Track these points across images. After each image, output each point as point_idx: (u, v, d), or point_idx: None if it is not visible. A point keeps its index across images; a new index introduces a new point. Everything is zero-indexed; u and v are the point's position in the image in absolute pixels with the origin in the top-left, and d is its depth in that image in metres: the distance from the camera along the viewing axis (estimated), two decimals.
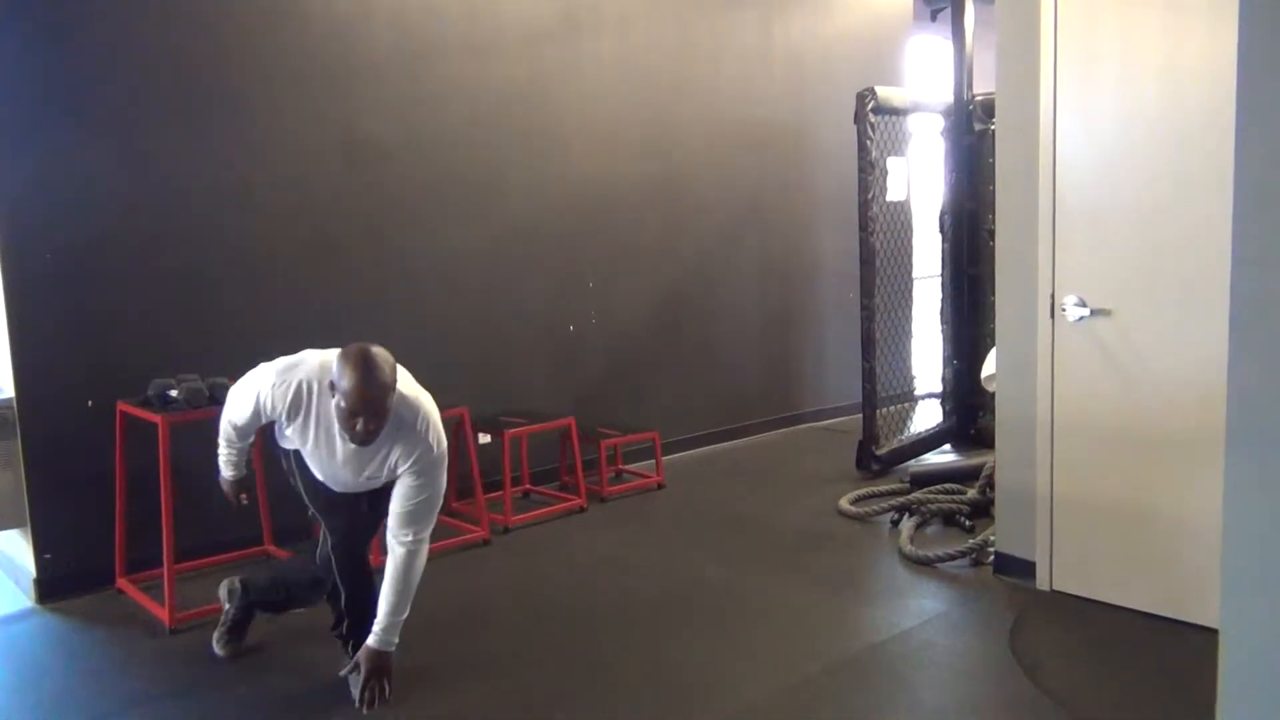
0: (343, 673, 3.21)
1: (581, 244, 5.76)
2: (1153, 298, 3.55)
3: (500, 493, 4.97)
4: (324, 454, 3.09)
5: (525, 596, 4.10)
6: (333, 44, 4.74)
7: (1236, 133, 2.00)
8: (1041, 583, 3.92)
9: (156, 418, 3.80)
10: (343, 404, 2.82)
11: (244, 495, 3.48)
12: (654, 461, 5.67)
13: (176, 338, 4.34)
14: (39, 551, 4.08)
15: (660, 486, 5.56)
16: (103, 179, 4.16)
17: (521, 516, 4.99)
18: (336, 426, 2.94)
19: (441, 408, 4.75)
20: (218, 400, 3.91)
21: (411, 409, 3.01)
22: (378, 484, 3.18)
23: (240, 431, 3.26)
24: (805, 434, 6.83)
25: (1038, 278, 3.81)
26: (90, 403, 4.13)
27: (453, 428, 4.97)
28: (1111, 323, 3.65)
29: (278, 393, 3.00)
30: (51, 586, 4.10)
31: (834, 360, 7.08)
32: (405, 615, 3.12)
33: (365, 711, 3.08)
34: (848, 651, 3.50)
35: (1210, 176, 3.31)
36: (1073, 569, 3.85)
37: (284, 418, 3.04)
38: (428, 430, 3.03)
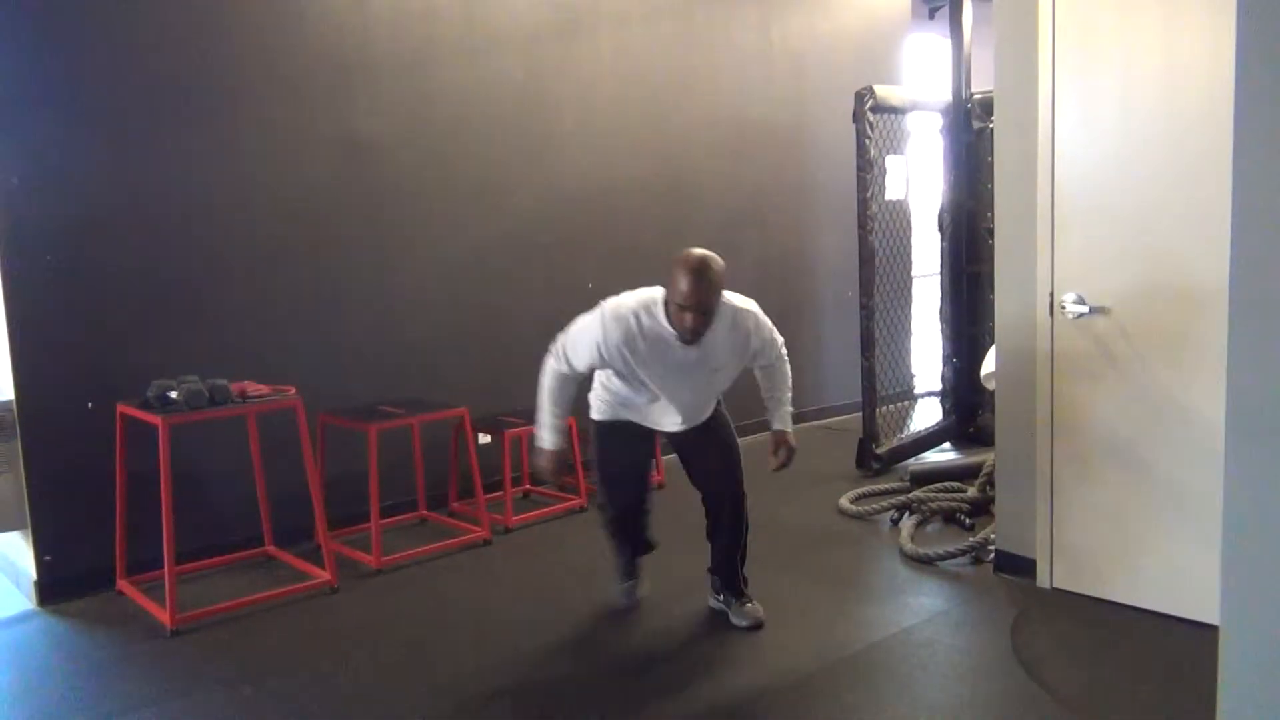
0: (773, 467, 3.76)
1: (581, 244, 5.76)
2: (1152, 295, 3.55)
3: (501, 493, 4.98)
4: (660, 370, 3.39)
5: (525, 596, 4.10)
6: (332, 45, 4.74)
7: (1235, 129, 2.00)
8: (1042, 580, 3.92)
9: (157, 419, 3.80)
10: (678, 302, 3.22)
11: (563, 471, 3.67)
12: (654, 461, 5.66)
13: (176, 339, 4.34)
14: (39, 554, 4.08)
15: (660, 486, 5.55)
16: (102, 180, 4.16)
17: (522, 516, 4.99)
18: (669, 334, 3.31)
19: (441, 408, 4.77)
20: (218, 402, 3.92)
21: (736, 308, 3.45)
22: (722, 371, 3.53)
23: (567, 383, 3.52)
24: (805, 433, 6.81)
25: (1037, 275, 3.81)
26: (90, 404, 4.13)
27: (452, 428, 4.99)
28: (1111, 320, 3.65)
29: (612, 325, 3.32)
30: (52, 589, 4.10)
31: (833, 359, 7.09)
32: (790, 401, 3.78)
33: (773, 470, 3.74)
34: (848, 650, 3.50)
35: (1209, 173, 3.31)
36: (1073, 567, 3.85)
37: (617, 349, 3.33)
38: (760, 316, 3.53)
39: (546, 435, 3.55)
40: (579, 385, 3.58)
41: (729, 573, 3.78)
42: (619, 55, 5.85)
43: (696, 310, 3.23)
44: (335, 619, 3.86)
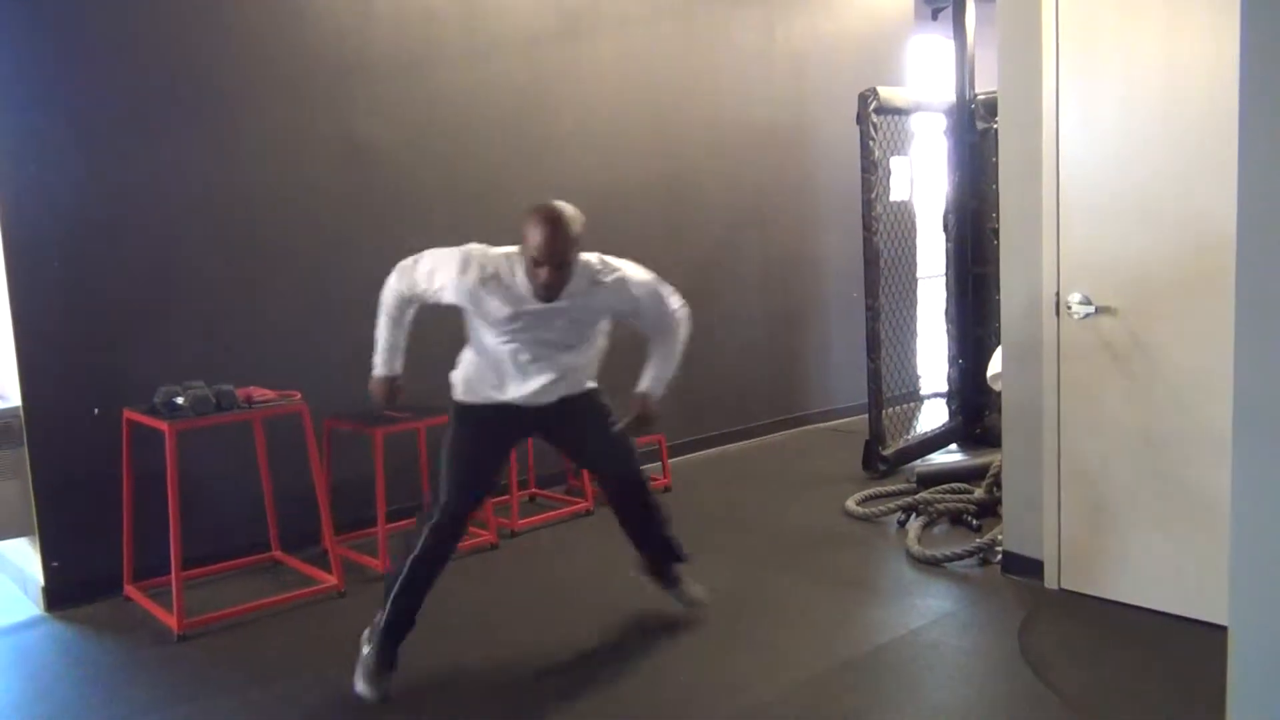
0: (617, 426, 3.47)
1: (584, 246, 5.74)
2: (1158, 294, 3.54)
3: (507, 497, 4.97)
4: (515, 322, 3.20)
5: (532, 599, 4.10)
6: (334, 47, 4.75)
7: (1240, 128, 1.99)
8: (1050, 581, 3.91)
9: (163, 425, 3.80)
10: (532, 255, 3.03)
11: (396, 397, 3.49)
12: (660, 464, 5.67)
13: (182, 345, 4.35)
14: (46, 560, 4.09)
15: (666, 489, 5.56)
16: (107, 186, 4.17)
17: (528, 520, 4.99)
18: (525, 290, 3.13)
19: (447, 412, 4.76)
20: (224, 407, 3.92)
21: (599, 264, 3.28)
22: (585, 326, 3.34)
23: (407, 303, 3.34)
24: (811, 435, 6.83)
25: (1042, 275, 3.81)
26: (96, 410, 4.14)
27: None
28: (1117, 320, 3.64)
29: (471, 266, 3.15)
30: (59, 594, 4.11)
31: (839, 361, 7.08)
32: (673, 373, 3.50)
33: (622, 433, 3.47)
34: (855, 651, 3.49)
35: (1214, 172, 3.30)
36: (1081, 567, 3.84)
37: (476, 288, 3.14)
38: (622, 268, 3.33)
39: (381, 359, 3.42)
40: (417, 319, 3.45)
41: (655, 566, 3.71)
42: (620, 57, 5.85)
43: (550, 264, 3.04)
44: (342, 623, 3.86)
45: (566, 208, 3.11)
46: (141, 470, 4.07)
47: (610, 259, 3.35)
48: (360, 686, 3.21)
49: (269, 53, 4.58)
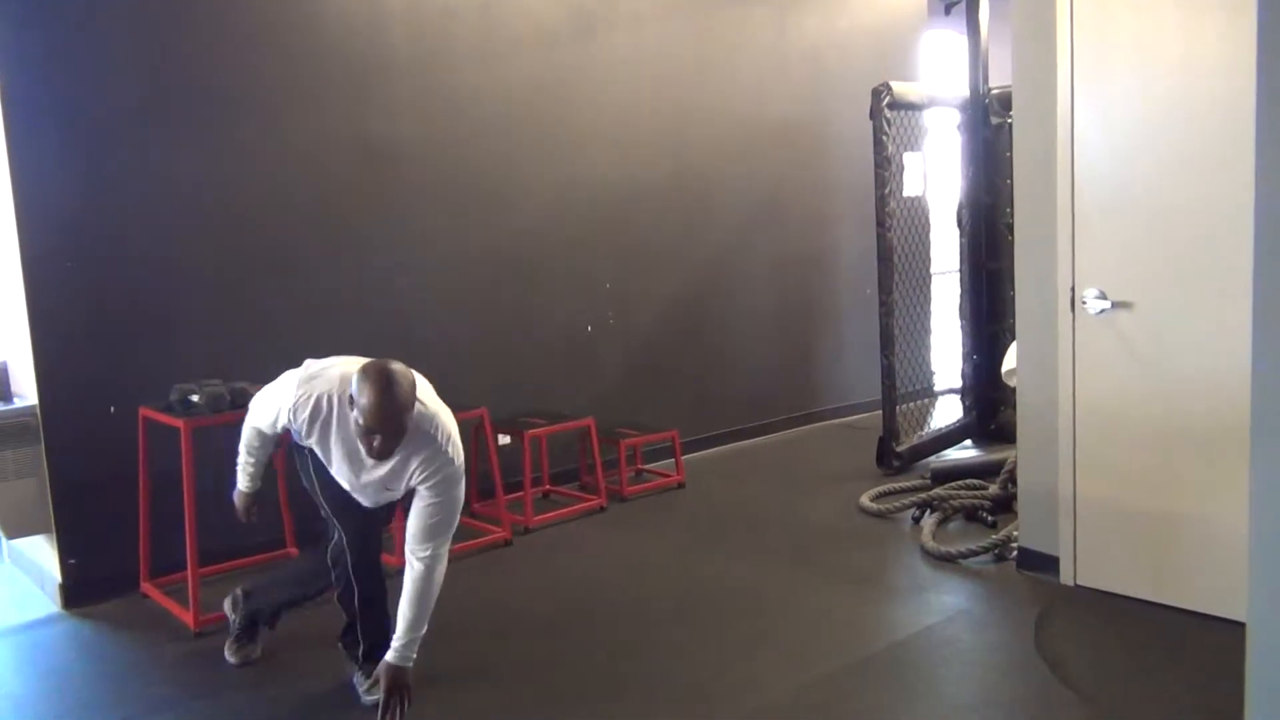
0: (363, 690, 3.21)
1: (598, 244, 5.76)
2: (1175, 289, 3.52)
3: (521, 493, 4.98)
4: (345, 466, 3.09)
5: (546, 596, 4.10)
6: (349, 47, 4.76)
7: (1257, 121, 1.98)
8: (1065, 578, 3.90)
9: (179, 422, 3.82)
10: (360, 420, 2.80)
11: (254, 510, 3.49)
12: (674, 461, 5.67)
13: (198, 343, 4.37)
14: (63, 557, 4.11)
15: (680, 485, 5.56)
16: (122, 185, 4.19)
17: (542, 517, 5.00)
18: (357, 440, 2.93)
19: (461, 409, 4.76)
20: (239, 405, 3.93)
21: (430, 422, 2.98)
22: (396, 496, 3.18)
23: (263, 440, 3.28)
24: (824, 431, 6.81)
25: (1057, 271, 3.79)
26: (112, 408, 4.16)
27: (472, 429, 4.99)
28: (1133, 315, 3.62)
29: (300, 404, 3.00)
30: (76, 591, 4.13)
31: (853, 357, 7.06)
32: (424, 630, 3.07)
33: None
34: (870, 648, 3.49)
35: (1231, 166, 3.28)
36: (1097, 563, 3.83)
37: (304, 429, 3.04)
38: (447, 444, 3.00)
39: (241, 478, 3.39)
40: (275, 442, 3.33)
41: (364, 649, 3.35)
42: (634, 54, 5.85)
43: (385, 433, 2.79)
44: None
45: (399, 374, 2.82)
46: (157, 468, 4.09)
47: (442, 425, 3.02)
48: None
49: (285, 53, 4.59)
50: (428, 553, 3.02)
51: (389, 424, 2.78)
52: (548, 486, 5.46)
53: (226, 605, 3.63)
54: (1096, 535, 3.81)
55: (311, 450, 3.18)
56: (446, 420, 3.06)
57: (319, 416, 3.00)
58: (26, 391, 4.14)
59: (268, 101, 4.55)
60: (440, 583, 3.08)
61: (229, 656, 3.55)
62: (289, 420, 3.05)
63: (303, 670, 3.48)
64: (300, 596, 3.55)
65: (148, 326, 4.27)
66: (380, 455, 2.88)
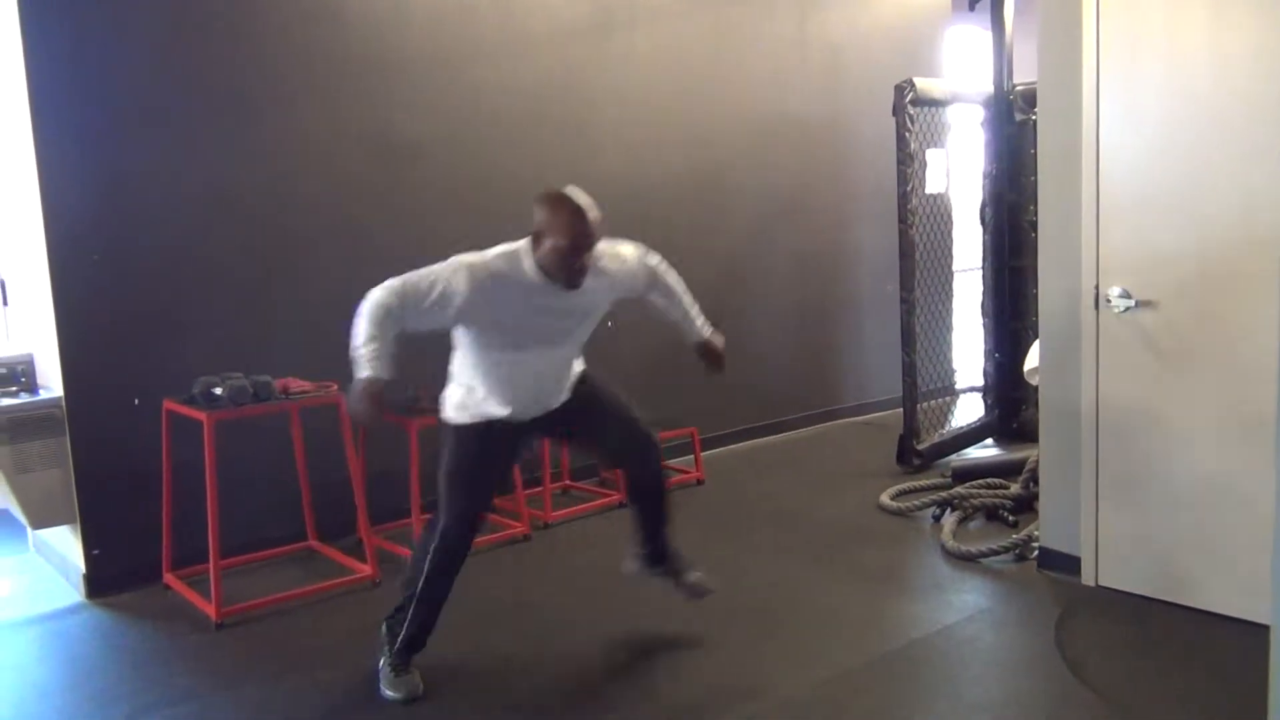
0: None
1: (618, 239, 5.75)
2: (1200, 289, 3.49)
3: (540, 489, 4.99)
4: (522, 321, 3.06)
5: (564, 591, 4.11)
6: (369, 45, 4.78)
7: None
8: (1086, 578, 3.87)
9: (202, 415, 3.85)
10: (562, 243, 2.94)
11: (380, 406, 2.96)
12: (693, 457, 5.67)
13: (221, 336, 4.40)
14: (88, 547, 4.15)
15: (699, 482, 5.55)
16: (148, 180, 4.22)
17: (561, 512, 5.01)
18: (536, 283, 3.02)
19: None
20: (261, 398, 3.96)
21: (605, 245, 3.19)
22: (585, 326, 3.29)
23: (396, 320, 2.98)
24: (845, 429, 6.79)
25: (1081, 269, 3.76)
26: (137, 401, 4.20)
27: None
28: (1157, 314, 3.59)
29: (462, 273, 2.96)
30: (100, 582, 4.17)
31: (873, 354, 7.03)
32: (698, 311, 3.56)
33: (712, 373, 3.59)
34: (890, 646, 3.48)
35: (1258, 163, 3.25)
36: (1118, 564, 3.80)
37: (472, 295, 2.95)
38: (613, 249, 3.28)
39: (365, 364, 2.90)
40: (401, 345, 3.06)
41: (660, 546, 3.56)
42: (654, 50, 5.84)
43: (587, 248, 2.96)
44: (377, 613, 3.87)
45: (577, 191, 3.03)
46: (181, 460, 4.12)
47: (601, 242, 3.20)
48: (390, 694, 3.19)
49: (306, 51, 4.60)
50: (664, 276, 3.50)
51: (589, 237, 2.97)
52: (567, 482, 5.47)
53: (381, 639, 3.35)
54: (1118, 536, 3.79)
55: (462, 429, 3.18)
56: (605, 242, 3.22)
57: (495, 273, 3.00)
58: (52, 384, 4.18)
59: (289, 99, 4.57)
60: (682, 283, 3.56)
61: (388, 691, 3.21)
62: (447, 294, 2.95)
63: (324, 662, 3.50)
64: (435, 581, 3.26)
65: (171, 320, 4.30)
66: (580, 275, 3.02)
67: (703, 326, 3.56)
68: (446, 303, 2.98)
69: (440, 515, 3.22)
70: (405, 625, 3.22)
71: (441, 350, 3.34)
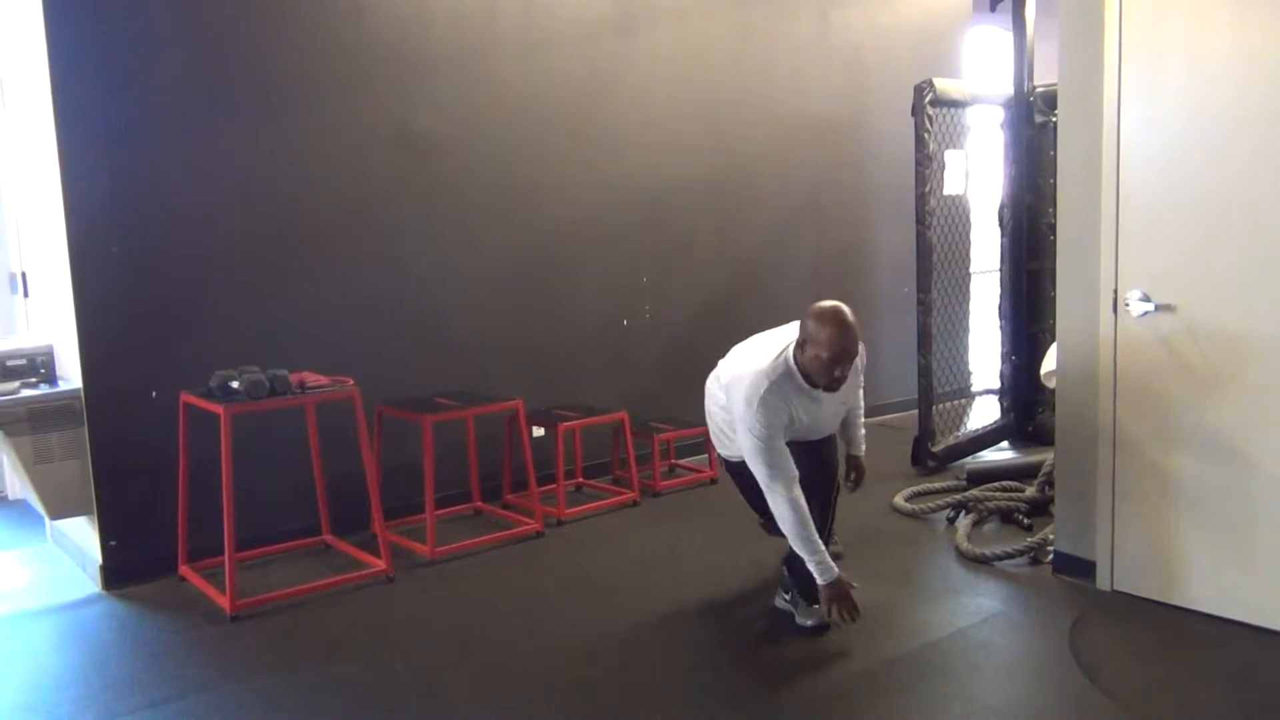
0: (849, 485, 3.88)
1: (636, 238, 5.76)
2: (1221, 293, 3.46)
3: (553, 486, 5.00)
4: (808, 415, 3.47)
5: (577, 588, 4.11)
6: (391, 44, 4.79)
7: None
8: (1102, 583, 3.85)
9: (219, 408, 3.86)
10: (824, 355, 3.28)
11: (852, 603, 3.44)
12: (707, 456, 5.66)
13: (239, 330, 4.42)
14: (105, 539, 4.18)
15: (713, 481, 5.55)
16: (168, 174, 4.24)
17: (575, 510, 5.01)
18: (807, 388, 3.40)
19: (495, 401, 4.80)
20: (278, 391, 3.98)
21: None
22: (846, 406, 3.71)
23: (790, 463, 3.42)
24: None
25: (1100, 272, 3.74)
26: (154, 393, 4.22)
27: (506, 421, 5.03)
28: (1177, 318, 3.57)
29: (772, 406, 3.35)
30: (117, 573, 4.20)
31: (890, 355, 7.00)
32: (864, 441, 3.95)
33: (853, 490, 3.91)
34: (903, 649, 3.46)
35: None
36: (1134, 569, 3.78)
37: (781, 417, 3.38)
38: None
39: (821, 568, 3.40)
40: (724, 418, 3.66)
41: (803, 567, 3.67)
42: (676, 50, 5.84)
43: (847, 359, 3.31)
44: (391, 608, 3.91)
45: (846, 308, 3.34)
46: (197, 452, 4.14)
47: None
48: (808, 621, 3.61)
49: (328, 48, 4.62)
50: (856, 405, 3.83)
51: (849, 354, 3.31)
52: (580, 480, 5.47)
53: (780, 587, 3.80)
54: (1134, 541, 3.76)
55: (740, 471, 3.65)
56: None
57: (780, 403, 3.37)
58: (72, 375, 4.21)
59: (309, 96, 4.59)
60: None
61: (801, 620, 3.64)
62: (783, 419, 3.39)
63: (340, 654, 3.52)
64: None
65: (189, 313, 4.32)
66: (840, 380, 3.37)
67: (861, 443, 3.94)
68: (781, 426, 3.42)
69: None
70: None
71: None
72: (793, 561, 3.59)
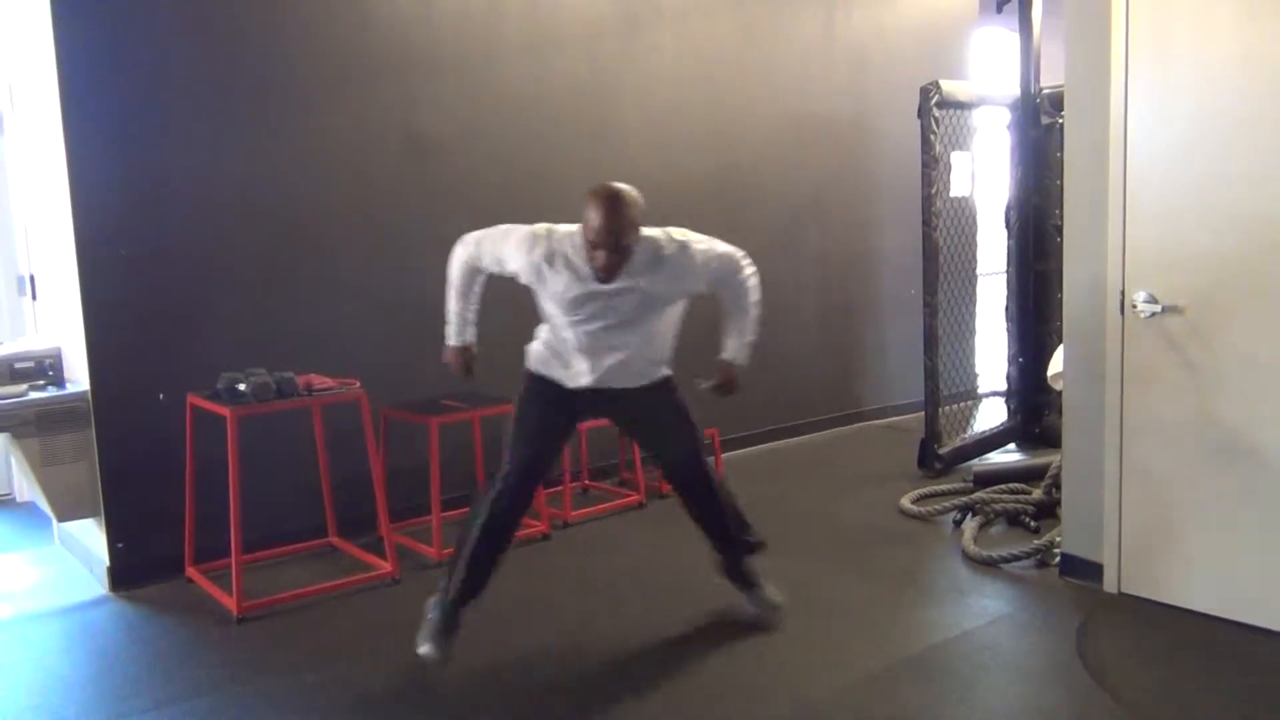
0: (701, 385, 3.51)
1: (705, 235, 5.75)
2: (1228, 294, 3.45)
3: (560, 488, 5.00)
4: (578, 301, 3.22)
5: (583, 590, 4.11)
6: (396, 45, 4.80)
7: None
8: (1109, 585, 3.84)
9: (225, 410, 3.87)
10: (589, 237, 3.08)
11: (473, 366, 3.57)
12: (713, 458, 5.65)
13: (245, 333, 4.43)
14: (112, 540, 4.19)
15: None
16: (175, 176, 4.25)
17: (581, 512, 5.01)
18: (586, 270, 3.17)
19: (501, 403, 4.79)
20: (284, 394, 3.99)
21: (659, 240, 3.25)
22: (658, 312, 3.34)
23: (476, 279, 3.43)
24: (866, 432, 6.77)
25: (1106, 273, 3.73)
26: (161, 396, 4.23)
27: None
28: (1184, 320, 3.56)
29: (539, 240, 3.22)
30: (124, 575, 4.21)
31: (896, 357, 7.01)
32: (753, 338, 3.52)
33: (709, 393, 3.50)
34: (909, 651, 3.46)
35: None
36: (1142, 571, 3.77)
37: (541, 263, 3.20)
38: (688, 239, 3.31)
39: (453, 329, 3.51)
40: (486, 290, 3.53)
41: (730, 566, 3.69)
42: (680, 50, 5.84)
43: (605, 246, 3.08)
44: (397, 609, 3.91)
45: (625, 188, 3.12)
46: (204, 455, 4.15)
47: (676, 232, 3.34)
48: (424, 648, 3.32)
49: (335, 49, 4.63)
50: (738, 279, 3.46)
51: (612, 235, 3.05)
52: (587, 482, 5.47)
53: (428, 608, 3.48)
54: (1142, 543, 3.75)
55: (531, 376, 3.41)
56: (689, 236, 3.33)
57: (552, 251, 3.20)
58: (79, 377, 4.22)
59: (314, 98, 4.60)
60: (756, 297, 3.52)
61: (421, 649, 3.36)
62: (521, 252, 3.23)
63: (344, 656, 3.52)
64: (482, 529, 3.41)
65: (196, 316, 4.33)
66: (607, 270, 3.11)
67: (738, 350, 3.54)
68: (504, 263, 3.31)
69: (503, 464, 3.38)
70: (455, 577, 3.35)
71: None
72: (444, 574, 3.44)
